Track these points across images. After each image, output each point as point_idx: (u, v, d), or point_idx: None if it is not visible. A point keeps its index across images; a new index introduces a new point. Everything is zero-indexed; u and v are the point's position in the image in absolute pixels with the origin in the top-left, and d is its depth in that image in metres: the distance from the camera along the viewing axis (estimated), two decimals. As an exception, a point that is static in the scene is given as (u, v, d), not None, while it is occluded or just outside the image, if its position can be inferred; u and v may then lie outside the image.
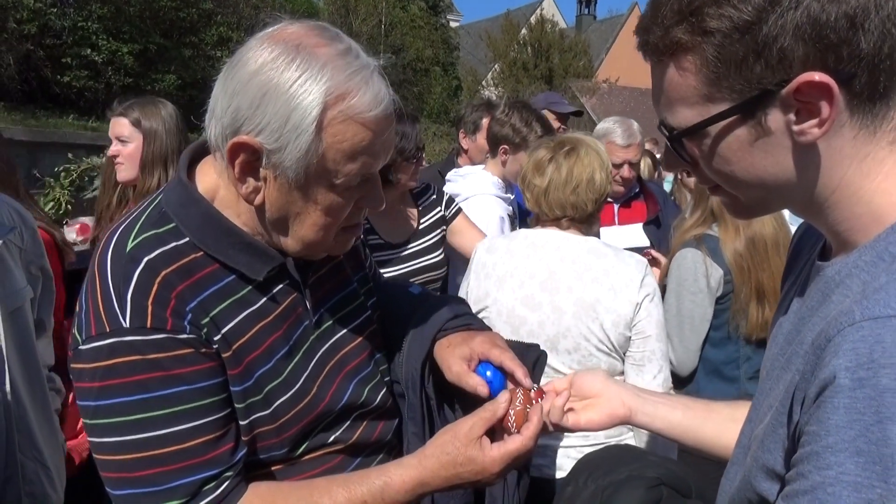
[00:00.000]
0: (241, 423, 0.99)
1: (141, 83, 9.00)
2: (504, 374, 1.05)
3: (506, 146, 2.63)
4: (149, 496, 0.92)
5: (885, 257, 0.65)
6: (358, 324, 1.17)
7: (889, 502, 0.55)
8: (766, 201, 0.72)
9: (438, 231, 2.37)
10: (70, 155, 5.35)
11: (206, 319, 0.96)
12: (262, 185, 0.95)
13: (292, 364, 1.04)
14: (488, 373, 1.05)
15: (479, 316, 1.82)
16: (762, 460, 0.68)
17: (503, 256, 1.90)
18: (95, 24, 8.98)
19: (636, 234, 3.05)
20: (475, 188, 2.65)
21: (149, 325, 0.92)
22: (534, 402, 0.98)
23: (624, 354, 1.87)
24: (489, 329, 1.22)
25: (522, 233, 1.94)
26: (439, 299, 1.27)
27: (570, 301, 1.81)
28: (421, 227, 2.34)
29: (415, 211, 2.36)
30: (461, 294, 1.96)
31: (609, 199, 3.12)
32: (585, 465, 1.02)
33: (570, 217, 1.86)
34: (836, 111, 0.64)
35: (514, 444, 0.97)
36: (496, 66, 24.70)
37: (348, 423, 1.09)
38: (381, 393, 1.13)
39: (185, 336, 0.94)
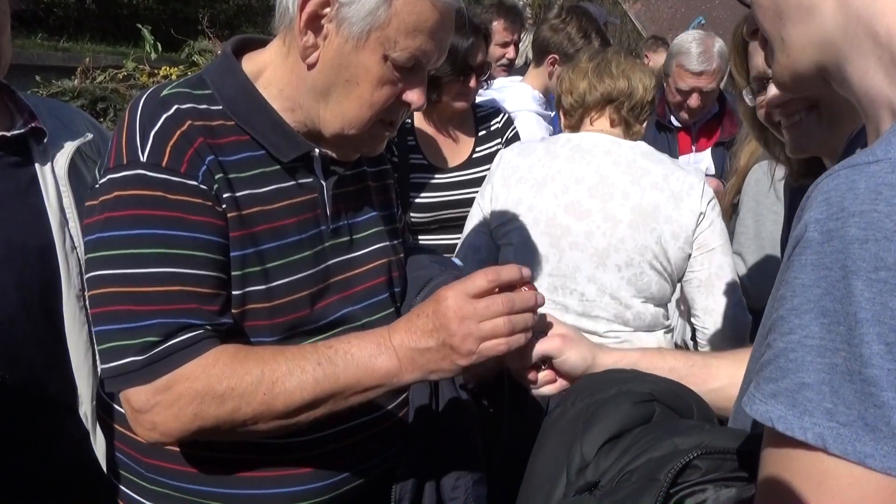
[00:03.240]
0: (235, 292, 0.99)
1: None
2: None
3: (555, 56, 2.35)
4: (125, 332, 0.92)
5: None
6: (375, 250, 1.16)
7: (852, 365, 0.48)
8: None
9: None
10: (38, 78, 4.82)
11: (221, 176, 0.97)
12: (321, 43, 0.98)
13: (299, 256, 1.04)
14: None
15: (508, 228, 1.71)
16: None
17: (542, 159, 1.74)
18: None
19: (706, 159, 2.87)
20: (513, 103, 2.36)
21: (164, 163, 0.94)
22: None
23: (679, 278, 1.70)
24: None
25: (564, 136, 1.77)
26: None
27: (627, 208, 1.65)
28: (476, 155, 2.14)
29: (471, 138, 2.14)
30: (476, 206, 1.81)
31: (677, 125, 2.97)
32: (577, 388, 0.95)
33: (613, 121, 1.70)
34: None
35: (475, 280, 0.91)
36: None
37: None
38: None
39: (194, 183, 0.96)
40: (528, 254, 1.72)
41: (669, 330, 1.82)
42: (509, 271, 0.95)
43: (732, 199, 2.14)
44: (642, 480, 0.72)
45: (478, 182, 2.11)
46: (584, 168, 1.71)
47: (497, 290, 0.95)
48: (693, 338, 1.91)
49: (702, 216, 1.69)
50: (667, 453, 0.75)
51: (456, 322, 0.91)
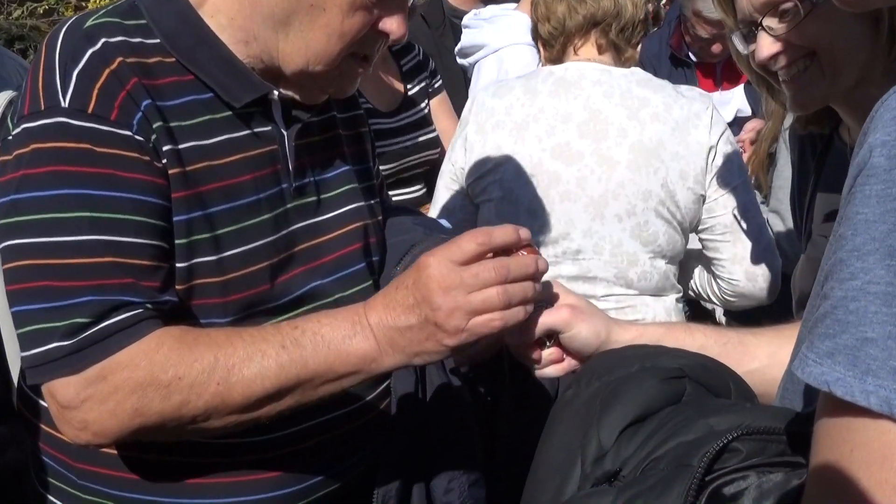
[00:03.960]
0: (180, 265, 0.98)
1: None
2: None
3: None
4: (48, 313, 0.90)
5: None
6: (348, 212, 1.16)
7: None
8: None
9: (427, 103, 2.28)
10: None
11: (161, 125, 0.96)
12: None
13: (256, 220, 1.04)
14: None
15: (487, 181, 1.72)
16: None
17: (521, 98, 1.73)
18: None
19: (737, 99, 2.87)
20: (506, 36, 2.38)
21: (90, 109, 0.92)
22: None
23: (690, 225, 1.70)
24: None
25: (545, 69, 1.77)
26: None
27: (624, 147, 1.65)
28: (410, 93, 2.23)
29: (398, 76, 2.22)
30: (447, 162, 1.83)
31: (695, 59, 2.95)
32: (591, 366, 0.95)
33: (601, 46, 1.69)
34: None
35: (462, 244, 0.92)
36: None
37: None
38: None
39: (128, 133, 0.94)
40: (511, 209, 1.72)
41: (682, 296, 1.83)
42: (503, 232, 0.95)
43: (769, 147, 2.13)
44: (672, 467, 0.72)
45: (422, 122, 2.19)
46: (571, 104, 1.70)
47: (490, 255, 0.94)
48: (710, 300, 1.92)
49: (712, 151, 1.68)
50: (700, 436, 0.74)
51: (440, 294, 0.91)
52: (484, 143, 1.75)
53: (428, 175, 2.41)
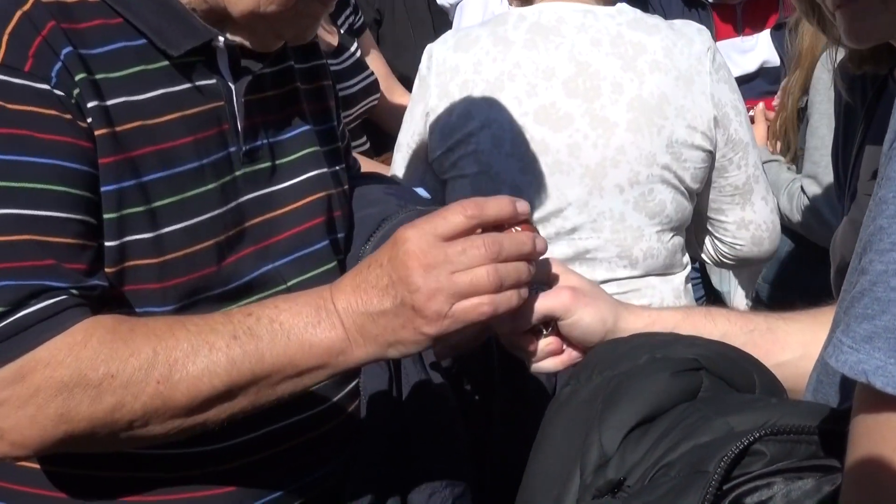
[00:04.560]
0: (110, 243, 0.97)
1: None
2: None
3: None
4: None
5: None
6: (308, 181, 1.16)
7: None
8: None
9: (357, 44, 2.33)
10: None
11: (84, 77, 0.94)
12: None
13: (198, 191, 1.03)
14: None
15: (458, 154, 1.70)
16: None
17: (490, 50, 1.69)
18: None
19: (762, 46, 2.85)
20: None
21: None
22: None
23: (699, 188, 1.70)
24: None
25: (514, 13, 1.72)
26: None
27: (622, 105, 1.63)
28: (343, 29, 2.30)
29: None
30: (405, 132, 1.81)
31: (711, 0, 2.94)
32: (593, 358, 0.95)
33: None
34: None
35: (448, 216, 0.91)
36: None
37: None
38: None
39: (45, 87, 0.93)
40: (491, 186, 1.70)
41: (690, 274, 1.83)
42: (497, 204, 0.94)
43: (798, 100, 2.11)
44: (685, 475, 0.72)
45: (359, 67, 2.24)
46: (553, 55, 1.67)
47: (479, 231, 0.93)
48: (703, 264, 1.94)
49: (718, 99, 1.68)
50: (718, 437, 0.74)
51: (420, 273, 0.90)
52: (450, 109, 1.73)
53: (367, 125, 2.47)
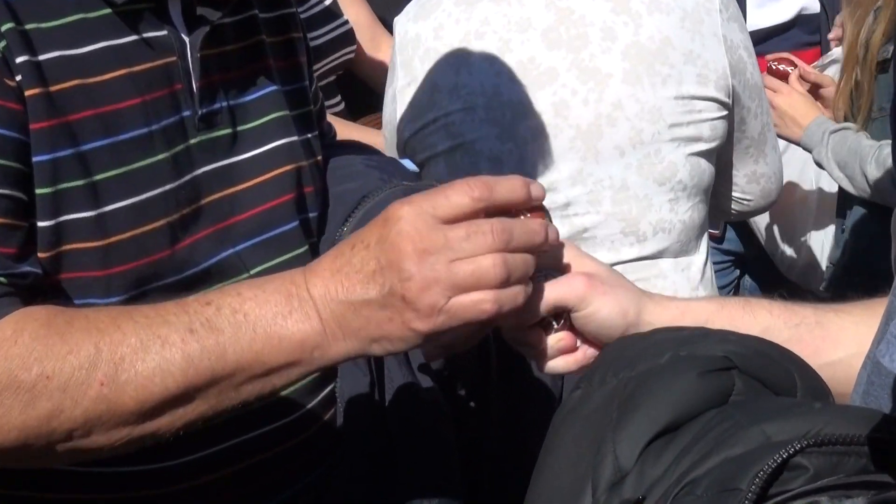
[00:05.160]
0: (44, 223, 0.97)
1: None
2: None
3: None
4: None
5: None
6: (275, 151, 1.17)
7: None
8: None
9: None
10: None
11: (11, 27, 0.95)
12: None
13: (147, 162, 1.04)
14: None
15: (427, 131, 1.73)
16: None
17: (452, 11, 1.71)
18: None
19: None
20: None
21: None
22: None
23: (719, 145, 1.73)
24: None
25: None
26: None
27: (616, 54, 1.64)
28: None
29: None
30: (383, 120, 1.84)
31: None
32: (607, 357, 0.94)
33: None
34: None
35: (451, 195, 0.91)
36: None
37: None
38: None
39: None
40: (467, 161, 1.71)
41: (706, 260, 1.82)
42: (510, 186, 0.93)
43: (879, 50, 2.09)
44: (713, 493, 0.71)
45: (331, 13, 2.28)
46: (526, 5, 1.67)
47: (484, 215, 0.93)
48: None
49: (730, 42, 1.69)
50: (753, 449, 0.73)
51: (414, 258, 0.88)
52: (416, 86, 1.74)
53: (344, 82, 2.47)
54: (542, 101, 1.67)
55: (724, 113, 1.73)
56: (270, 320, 0.93)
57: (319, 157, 1.26)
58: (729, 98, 1.71)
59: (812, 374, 0.91)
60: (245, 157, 1.15)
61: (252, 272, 1.12)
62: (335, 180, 1.26)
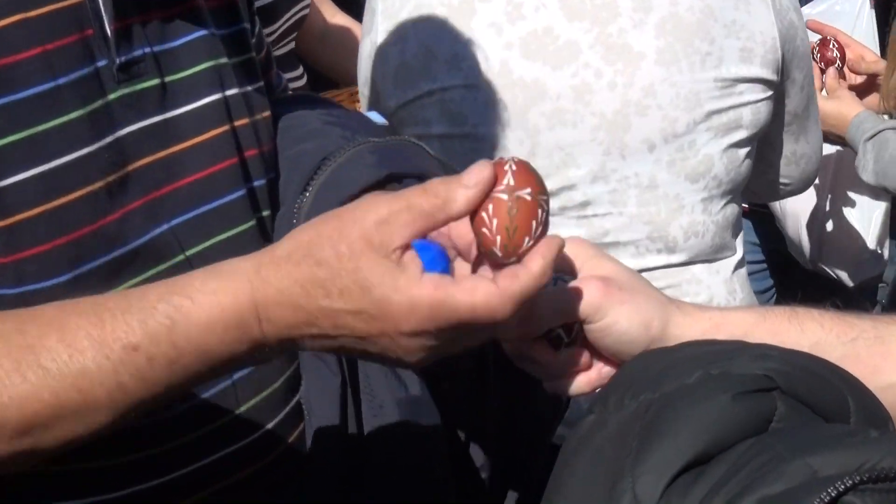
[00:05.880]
0: None
1: None
2: (450, 261, 0.98)
3: None
4: None
5: None
6: (210, 107, 1.16)
7: None
8: None
9: None
10: None
11: None
12: None
13: (57, 123, 1.03)
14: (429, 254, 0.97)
15: (420, 104, 1.73)
16: None
17: None
18: None
19: None
20: None
21: None
22: (539, 213, 0.92)
23: (761, 130, 1.76)
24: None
25: None
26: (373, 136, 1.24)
27: (650, 28, 1.64)
28: None
29: None
30: (359, 80, 1.86)
31: None
32: (625, 376, 0.95)
33: None
34: None
35: (516, 282, 0.90)
36: None
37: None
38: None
39: None
40: (468, 147, 1.71)
41: (741, 260, 1.83)
42: (464, 200, 0.92)
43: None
44: (750, 538, 0.71)
45: None
46: None
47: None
48: None
49: (782, 8, 1.70)
50: (796, 485, 0.74)
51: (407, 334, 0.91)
52: (404, 47, 1.73)
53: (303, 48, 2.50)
54: (560, 83, 1.66)
55: (769, 93, 1.73)
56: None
57: (267, 114, 1.25)
58: (777, 75, 1.72)
59: (869, 397, 0.91)
60: (178, 114, 1.14)
61: (188, 253, 1.11)
62: (288, 141, 1.25)
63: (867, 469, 0.73)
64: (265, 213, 1.21)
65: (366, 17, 1.85)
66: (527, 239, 0.91)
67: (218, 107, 1.17)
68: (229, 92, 1.19)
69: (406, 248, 0.89)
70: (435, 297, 0.87)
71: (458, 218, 0.91)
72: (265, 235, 1.17)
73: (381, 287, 0.87)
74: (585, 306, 1.03)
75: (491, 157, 1.67)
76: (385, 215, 0.89)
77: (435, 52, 1.71)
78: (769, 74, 1.72)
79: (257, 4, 2.34)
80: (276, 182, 1.23)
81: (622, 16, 1.65)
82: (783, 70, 1.74)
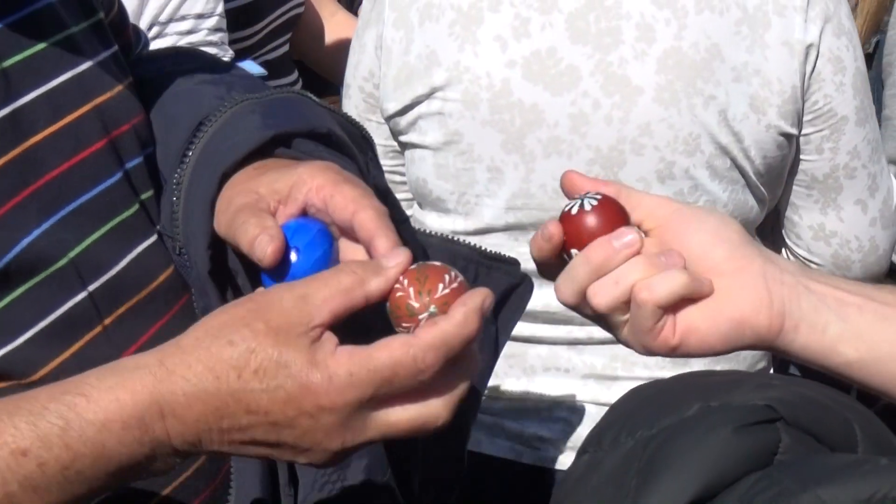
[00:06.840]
0: None
1: None
2: (334, 241, 0.97)
3: None
4: None
5: None
6: (66, 86, 1.07)
7: None
8: None
9: None
10: None
11: None
12: None
13: None
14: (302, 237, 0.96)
15: (418, 114, 1.70)
16: None
17: None
18: None
19: None
20: None
21: None
22: (453, 272, 0.89)
23: (773, 178, 1.67)
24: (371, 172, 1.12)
25: None
26: (257, 92, 1.17)
27: (651, 60, 1.59)
28: None
29: None
30: (350, 72, 1.83)
31: None
32: (618, 414, 0.95)
33: None
34: None
35: (428, 337, 0.84)
36: None
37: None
38: (141, 251, 1.07)
39: None
40: (460, 163, 1.69)
41: None
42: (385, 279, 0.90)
43: (880, 19, 2.12)
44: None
45: None
46: None
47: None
48: None
49: (812, 54, 1.62)
50: (805, 520, 0.73)
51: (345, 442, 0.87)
52: (409, 46, 1.70)
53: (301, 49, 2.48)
54: (558, 110, 1.63)
55: (788, 145, 1.66)
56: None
57: (130, 80, 1.16)
58: (794, 128, 1.64)
59: (875, 424, 0.91)
60: (25, 102, 1.03)
61: (71, 255, 1.02)
62: (159, 106, 1.17)
63: (879, 499, 0.73)
64: (147, 193, 1.13)
65: (367, 6, 1.82)
66: (440, 286, 0.89)
67: (72, 87, 1.08)
68: (83, 66, 1.09)
69: (325, 327, 0.86)
70: (352, 361, 0.83)
71: (377, 295, 0.88)
72: (153, 220, 1.10)
73: (299, 364, 0.84)
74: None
75: (485, 177, 1.69)
76: (303, 293, 0.86)
77: (439, 56, 1.68)
78: (787, 127, 1.65)
79: (235, 4, 2.34)
80: (154, 157, 1.15)
81: (624, 43, 1.60)
82: (805, 123, 1.67)
